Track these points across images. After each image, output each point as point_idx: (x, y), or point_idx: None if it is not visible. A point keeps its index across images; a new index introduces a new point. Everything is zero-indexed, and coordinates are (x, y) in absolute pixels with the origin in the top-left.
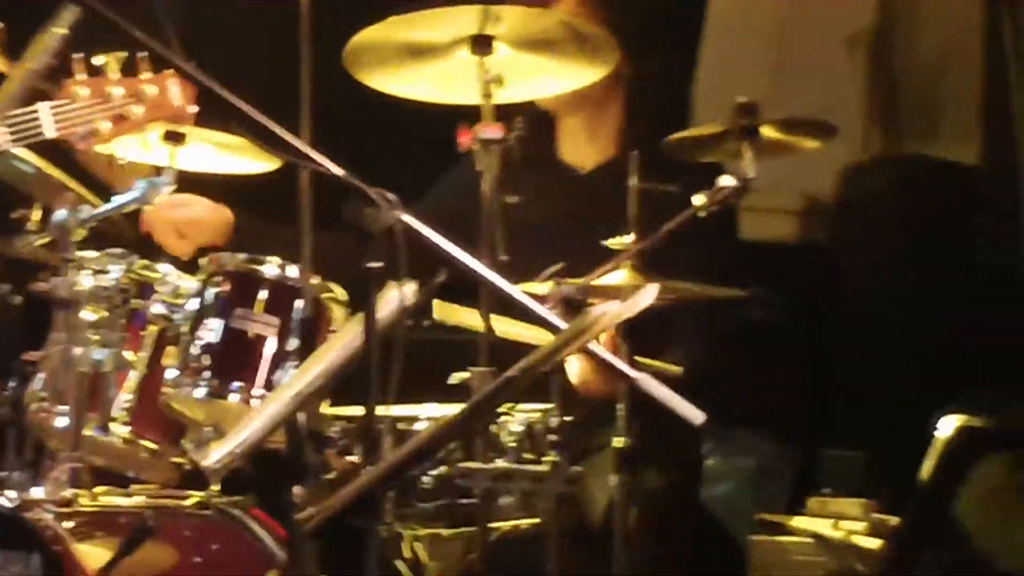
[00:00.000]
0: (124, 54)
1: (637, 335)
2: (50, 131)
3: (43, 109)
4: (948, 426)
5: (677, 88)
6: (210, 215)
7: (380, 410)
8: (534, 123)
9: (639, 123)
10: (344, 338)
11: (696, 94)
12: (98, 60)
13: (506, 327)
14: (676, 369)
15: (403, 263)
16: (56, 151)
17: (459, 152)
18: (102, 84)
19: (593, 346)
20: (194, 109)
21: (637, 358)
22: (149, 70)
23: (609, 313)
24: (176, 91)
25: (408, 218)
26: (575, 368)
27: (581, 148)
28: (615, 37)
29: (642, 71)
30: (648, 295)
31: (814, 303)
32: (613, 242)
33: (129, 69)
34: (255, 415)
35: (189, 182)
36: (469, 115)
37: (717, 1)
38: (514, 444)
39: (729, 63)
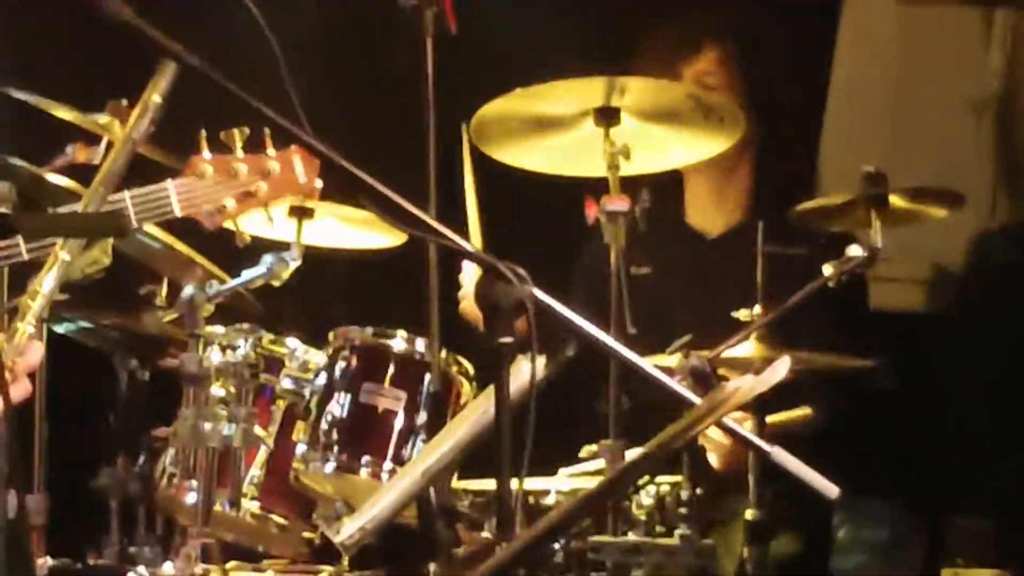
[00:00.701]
0: (248, 130)
1: (764, 400)
2: (177, 209)
3: (170, 187)
4: None
5: (805, 152)
6: None
7: (512, 484)
8: (661, 185)
9: (768, 188)
10: (475, 412)
11: (821, 159)
12: (223, 136)
13: None
14: (806, 413)
15: (535, 338)
16: (184, 226)
17: (586, 225)
18: (227, 161)
19: (725, 420)
20: (319, 183)
21: (768, 416)
22: (274, 146)
23: (743, 387)
24: (301, 168)
25: (538, 292)
26: (715, 448)
27: (708, 211)
28: (747, 99)
29: (771, 135)
30: (782, 369)
31: (942, 372)
32: (741, 314)
33: (254, 145)
34: (385, 490)
35: (315, 257)
36: (595, 187)
37: (841, 67)
38: (645, 517)
39: (853, 129)
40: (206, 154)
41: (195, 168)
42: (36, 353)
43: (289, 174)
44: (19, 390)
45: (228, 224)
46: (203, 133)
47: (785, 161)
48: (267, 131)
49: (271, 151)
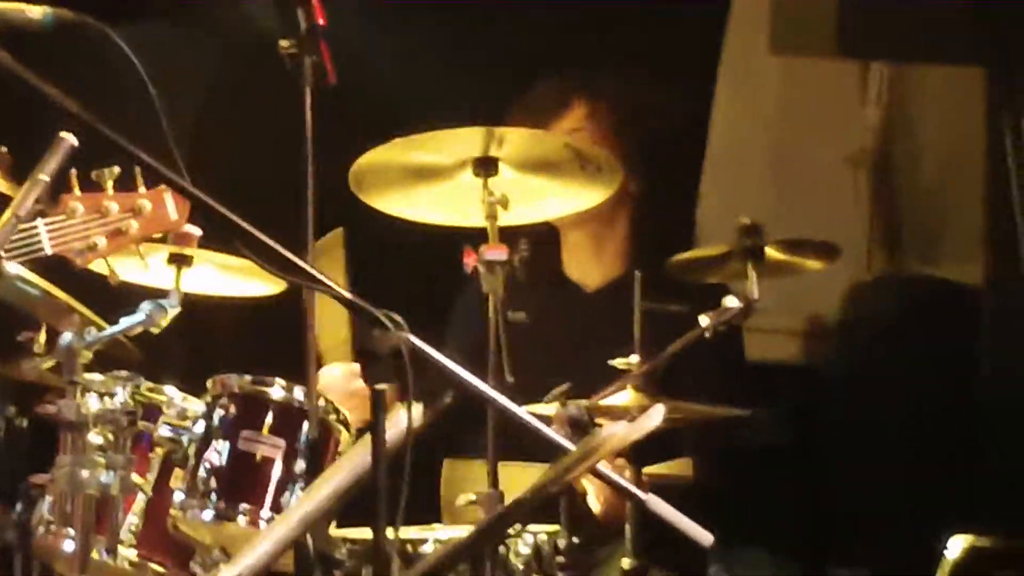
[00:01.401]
0: (119, 169)
1: (643, 451)
2: (48, 247)
3: (41, 225)
4: (957, 545)
5: (682, 206)
6: None
7: (388, 532)
8: (539, 238)
9: (644, 241)
10: (351, 460)
11: (700, 213)
12: (94, 175)
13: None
14: (685, 475)
15: (411, 385)
16: (62, 272)
17: (464, 274)
18: (98, 199)
19: (601, 467)
20: (197, 231)
21: (645, 468)
22: (145, 184)
23: (617, 434)
24: (172, 206)
25: (415, 340)
26: (596, 498)
27: (585, 264)
28: (621, 154)
29: (648, 189)
30: (656, 416)
31: (819, 422)
32: (619, 362)
33: (125, 183)
34: (263, 537)
35: (194, 304)
36: (474, 236)
37: (719, 121)
38: (522, 566)
39: (732, 183)
40: (76, 192)
41: (65, 206)
42: None
43: (160, 211)
44: None
45: (100, 265)
46: (73, 171)
47: (663, 214)
48: (138, 169)
49: (142, 189)
